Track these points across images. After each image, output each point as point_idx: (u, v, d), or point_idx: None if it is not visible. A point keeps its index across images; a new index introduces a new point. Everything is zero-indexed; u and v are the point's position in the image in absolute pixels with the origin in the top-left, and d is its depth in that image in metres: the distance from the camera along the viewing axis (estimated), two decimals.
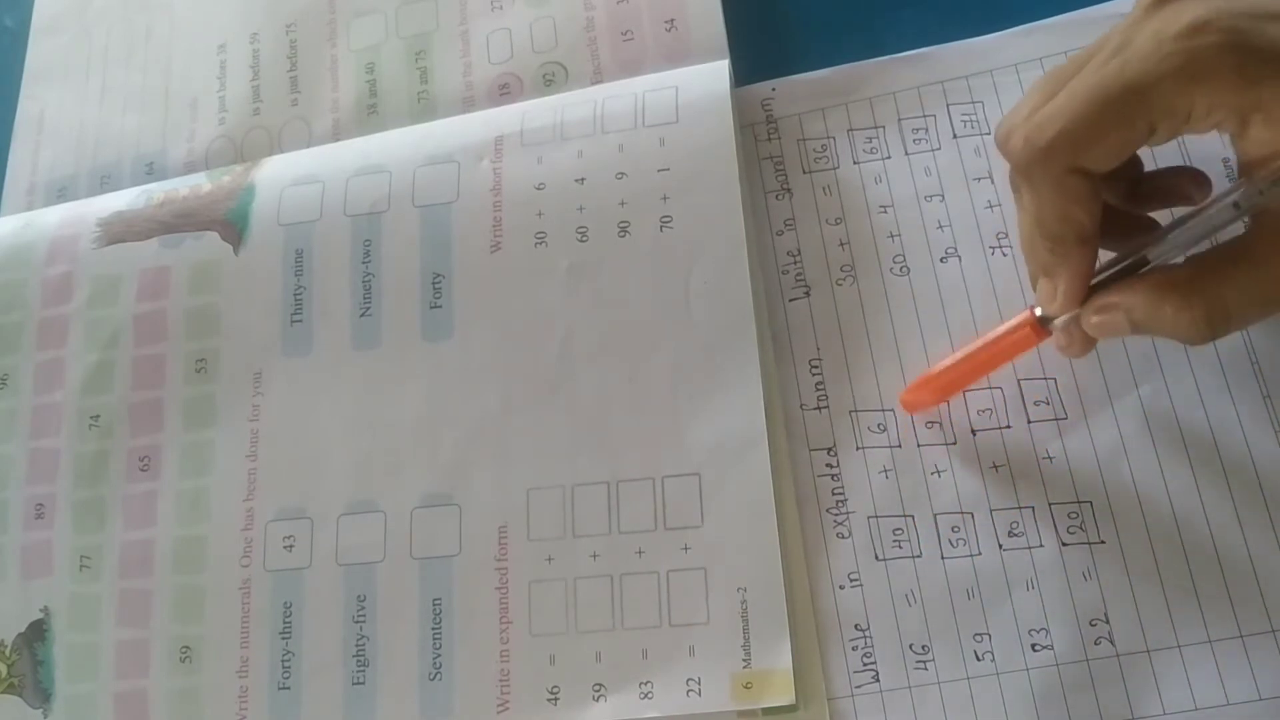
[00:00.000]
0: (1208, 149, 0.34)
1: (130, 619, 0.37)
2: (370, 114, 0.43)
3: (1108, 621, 0.31)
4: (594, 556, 0.34)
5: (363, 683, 0.35)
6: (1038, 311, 0.30)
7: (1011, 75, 0.37)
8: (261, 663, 0.36)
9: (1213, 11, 0.25)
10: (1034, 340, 0.31)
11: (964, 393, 0.34)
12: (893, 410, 0.35)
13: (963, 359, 0.33)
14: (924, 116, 0.38)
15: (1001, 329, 0.32)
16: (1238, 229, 0.27)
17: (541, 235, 0.38)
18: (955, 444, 0.34)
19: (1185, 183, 0.31)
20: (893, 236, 0.36)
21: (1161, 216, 0.31)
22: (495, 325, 0.37)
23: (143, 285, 0.41)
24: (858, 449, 0.34)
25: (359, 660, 0.35)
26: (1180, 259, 0.28)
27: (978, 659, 0.32)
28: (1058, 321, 0.30)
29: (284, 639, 0.36)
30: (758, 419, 0.34)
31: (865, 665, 0.32)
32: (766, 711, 0.32)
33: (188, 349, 0.40)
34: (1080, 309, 0.29)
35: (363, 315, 0.39)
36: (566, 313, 0.37)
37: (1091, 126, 0.26)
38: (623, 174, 0.38)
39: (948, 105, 0.37)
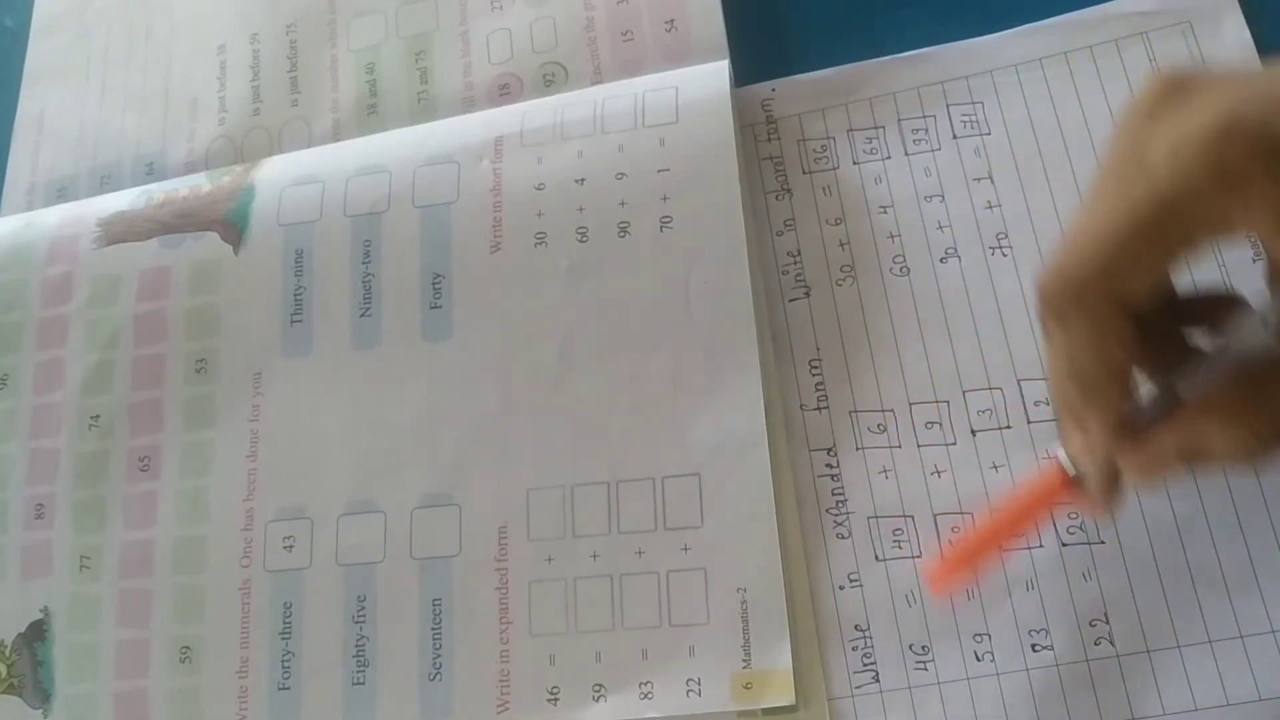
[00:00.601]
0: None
1: (130, 619, 0.37)
2: (370, 114, 0.43)
3: (1108, 621, 0.31)
4: (594, 556, 0.34)
5: (363, 683, 0.35)
6: (1064, 464, 0.28)
7: (1011, 75, 0.37)
8: (261, 663, 0.36)
9: (1233, 113, 0.23)
10: (1067, 492, 0.28)
11: (989, 542, 0.31)
12: (892, 410, 0.35)
13: (988, 529, 0.30)
14: (924, 117, 0.38)
15: (1028, 487, 0.29)
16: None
17: (541, 235, 0.38)
18: (955, 444, 0.34)
19: (1220, 307, 0.28)
20: (893, 237, 0.36)
21: None
22: (495, 325, 0.37)
23: (143, 285, 0.41)
24: (858, 449, 0.34)
25: (359, 660, 0.35)
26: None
27: (978, 659, 0.32)
28: (1090, 473, 0.28)
29: (284, 639, 0.36)
30: (758, 419, 0.34)
31: (865, 665, 0.32)
32: (766, 712, 0.32)
33: (188, 349, 0.40)
34: (1118, 458, 0.27)
35: (363, 315, 0.39)
36: (566, 313, 0.37)
37: (1127, 250, 0.24)
38: (623, 174, 0.38)
39: (948, 106, 0.37)
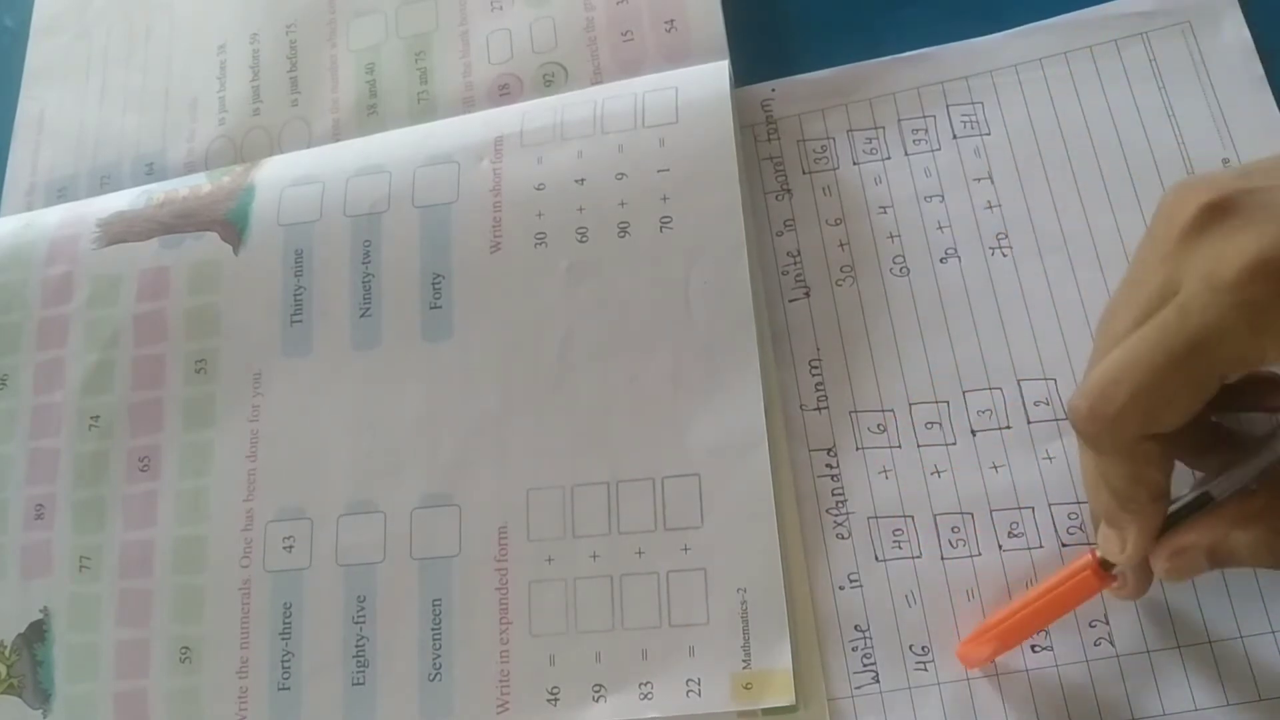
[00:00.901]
0: None
1: (130, 619, 0.37)
2: (370, 114, 0.43)
3: (1108, 622, 0.31)
4: (594, 557, 0.34)
5: (363, 683, 0.35)
6: (1100, 557, 0.29)
7: (1011, 75, 0.37)
8: (261, 663, 0.36)
9: (1266, 246, 0.23)
10: (1098, 587, 0.29)
11: (1023, 629, 0.31)
12: (892, 410, 0.35)
13: (1024, 617, 0.30)
14: (924, 117, 0.38)
15: (1062, 575, 0.29)
16: None
17: (541, 235, 0.38)
18: (955, 444, 0.34)
19: (1264, 394, 0.28)
20: (892, 237, 0.36)
21: None
22: (495, 325, 0.37)
23: (143, 285, 0.41)
24: (858, 449, 0.34)
25: (359, 660, 0.35)
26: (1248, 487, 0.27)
27: None
28: (1122, 568, 0.28)
29: (284, 639, 0.36)
30: (758, 419, 0.34)
31: (865, 666, 0.32)
32: (766, 712, 0.32)
33: (188, 349, 0.40)
34: (1150, 557, 0.27)
35: (363, 315, 0.39)
36: (566, 313, 0.37)
37: (1160, 392, 0.24)
38: (623, 174, 0.38)
39: (947, 106, 0.37)
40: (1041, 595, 0.30)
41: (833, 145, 0.38)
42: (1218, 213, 0.24)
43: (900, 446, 0.34)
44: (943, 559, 0.33)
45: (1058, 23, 0.37)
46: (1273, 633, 0.30)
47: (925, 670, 0.32)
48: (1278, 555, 0.26)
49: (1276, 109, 0.35)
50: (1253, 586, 0.31)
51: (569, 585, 0.34)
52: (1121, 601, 0.31)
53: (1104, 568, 0.28)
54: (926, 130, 0.37)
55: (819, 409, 0.35)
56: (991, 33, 0.38)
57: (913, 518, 0.33)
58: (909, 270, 0.36)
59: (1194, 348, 0.23)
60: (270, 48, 0.46)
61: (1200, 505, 0.27)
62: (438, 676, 0.35)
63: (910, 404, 0.34)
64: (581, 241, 0.37)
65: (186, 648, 0.37)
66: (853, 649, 0.33)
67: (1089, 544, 0.32)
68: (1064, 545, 0.32)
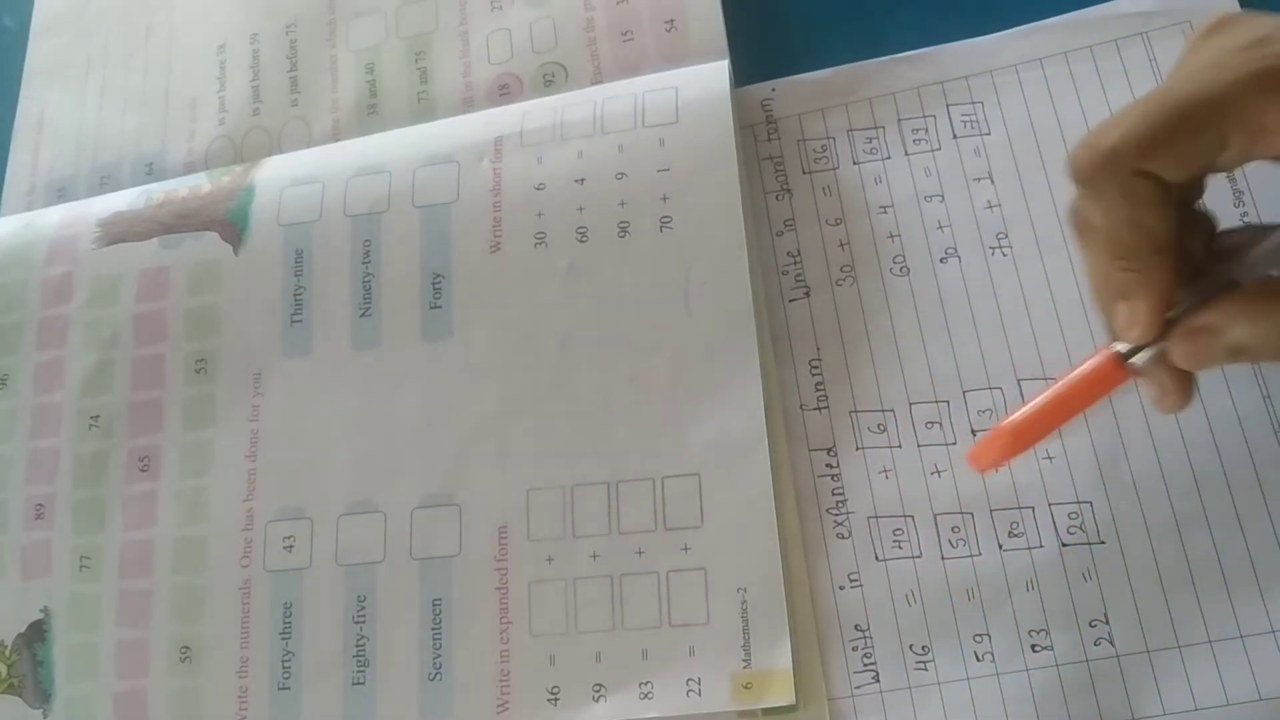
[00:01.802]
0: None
1: (130, 619, 0.37)
2: (370, 114, 0.43)
3: (1108, 622, 0.31)
4: (594, 556, 0.34)
5: (363, 683, 0.35)
6: (1117, 347, 0.27)
7: (1011, 75, 0.37)
8: (261, 663, 0.36)
9: (1275, 24, 0.24)
10: (1119, 378, 0.27)
11: (1039, 425, 0.29)
12: (892, 410, 0.35)
13: (1039, 407, 0.29)
14: (924, 117, 0.38)
15: (1079, 370, 0.28)
16: None
17: (541, 235, 0.38)
18: (955, 444, 0.34)
19: (1260, 234, 0.28)
20: (893, 237, 0.36)
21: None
22: (495, 325, 0.37)
23: (142, 285, 0.41)
24: (858, 449, 0.34)
25: (359, 660, 0.35)
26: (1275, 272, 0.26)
27: (978, 659, 0.32)
28: (1142, 357, 0.27)
29: (284, 639, 0.36)
30: (758, 419, 0.34)
31: (865, 665, 0.32)
32: (766, 712, 0.32)
33: (188, 349, 0.40)
34: (1167, 340, 0.26)
35: (362, 315, 0.39)
36: (566, 313, 0.37)
37: (1160, 132, 0.25)
38: (623, 174, 0.38)
39: (947, 105, 0.37)
40: (1061, 394, 0.28)
41: (833, 145, 0.38)
42: (1233, 18, 0.26)
43: (900, 446, 0.34)
44: (943, 559, 0.33)
45: (1058, 23, 0.37)
46: (1273, 633, 0.30)
47: (925, 670, 0.32)
48: None
49: None
50: (1253, 586, 0.31)
51: (569, 585, 0.34)
52: (1120, 599, 0.31)
53: (1125, 361, 0.27)
54: (926, 130, 0.37)
55: (819, 409, 0.35)
56: (991, 33, 0.38)
57: (913, 518, 0.33)
58: (909, 270, 0.36)
59: (1198, 97, 0.24)
60: (270, 48, 0.46)
61: (1223, 288, 0.26)
62: (438, 676, 0.35)
63: (910, 404, 0.34)
64: (581, 241, 0.37)
65: (186, 648, 0.37)
66: (853, 649, 0.33)
67: (1089, 543, 0.32)
68: (1064, 545, 0.32)
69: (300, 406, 0.38)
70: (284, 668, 0.36)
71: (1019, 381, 0.34)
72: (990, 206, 0.36)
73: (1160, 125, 0.25)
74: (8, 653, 0.38)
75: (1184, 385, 0.28)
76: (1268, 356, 0.26)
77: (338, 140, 0.43)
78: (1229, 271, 0.26)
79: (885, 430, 0.34)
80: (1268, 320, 0.25)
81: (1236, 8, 0.36)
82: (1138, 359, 0.27)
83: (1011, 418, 0.29)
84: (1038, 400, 0.29)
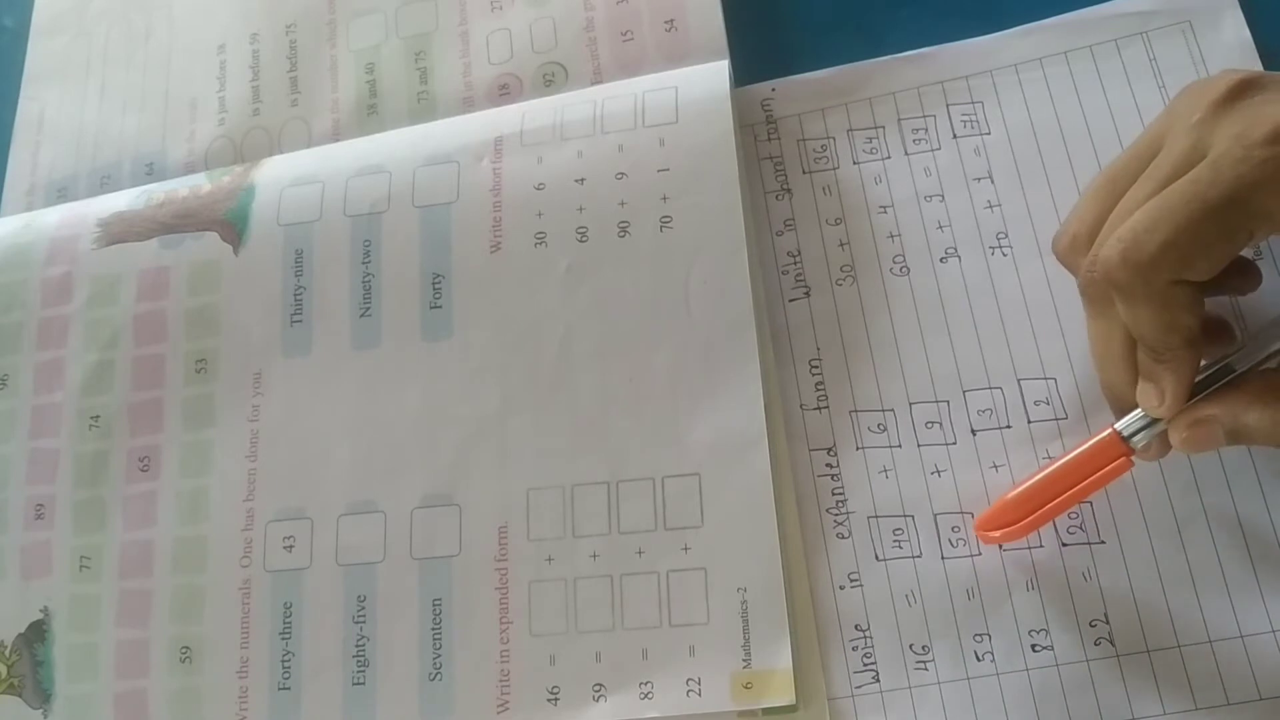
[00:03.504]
0: None
1: (130, 619, 0.37)
2: (370, 114, 0.43)
3: (1108, 621, 0.31)
4: (594, 556, 0.34)
5: (363, 683, 0.35)
6: (1119, 428, 0.30)
7: (1011, 75, 0.37)
8: (261, 663, 0.36)
9: None
10: (1127, 466, 0.30)
11: (1045, 512, 0.31)
12: (892, 410, 0.35)
13: (1047, 499, 0.31)
14: (924, 116, 0.38)
15: (1088, 457, 0.30)
16: None
17: (541, 235, 0.38)
18: (955, 444, 0.34)
19: (1236, 275, 0.30)
20: (893, 236, 0.36)
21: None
22: (495, 325, 0.37)
23: (142, 285, 0.41)
24: (858, 449, 0.34)
25: (359, 660, 0.35)
26: (1273, 364, 0.28)
27: (978, 659, 0.32)
28: (1140, 438, 0.29)
29: (284, 639, 0.36)
30: (758, 419, 0.34)
31: (865, 665, 0.32)
32: (766, 711, 0.32)
33: (187, 349, 0.40)
34: (1169, 428, 0.29)
35: (362, 315, 0.39)
36: (566, 313, 0.37)
37: (1194, 239, 0.25)
38: (623, 174, 0.38)
39: (947, 105, 0.37)
40: (1068, 477, 0.30)
41: (833, 145, 0.38)
42: (1249, 87, 0.26)
43: (900, 446, 0.34)
44: (943, 559, 0.33)
45: (1058, 23, 0.37)
46: (1273, 633, 0.30)
47: (925, 670, 0.32)
48: None
49: None
50: (1253, 586, 0.31)
51: (569, 585, 0.34)
52: (1120, 599, 0.31)
53: (1124, 440, 0.29)
54: (926, 130, 0.37)
55: (819, 408, 0.35)
56: (991, 33, 0.38)
57: (913, 517, 0.33)
58: (909, 270, 0.36)
59: (1227, 200, 0.25)
60: (270, 48, 0.46)
61: (1222, 376, 0.28)
62: (438, 676, 0.35)
63: (910, 403, 0.34)
64: (581, 241, 0.37)
65: (186, 648, 0.37)
66: (853, 648, 0.33)
67: (1089, 543, 0.32)
68: (1064, 545, 0.32)
69: (300, 406, 0.38)
70: (284, 668, 0.36)
71: (1019, 381, 0.34)
72: (990, 206, 0.36)
73: (1196, 233, 0.25)
74: (8, 653, 0.38)
75: (1167, 446, 0.29)
76: (1265, 444, 0.28)
77: (338, 140, 0.43)
78: (1229, 357, 0.28)
79: (885, 430, 0.34)
80: (1265, 413, 0.27)
81: (1235, 6, 0.36)
82: (1139, 438, 0.29)
83: (1022, 500, 0.31)
84: (1048, 482, 0.31)
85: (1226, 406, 0.27)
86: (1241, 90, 0.26)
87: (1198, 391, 0.28)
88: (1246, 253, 0.32)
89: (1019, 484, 0.31)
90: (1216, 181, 0.25)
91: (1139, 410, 0.29)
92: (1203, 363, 0.28)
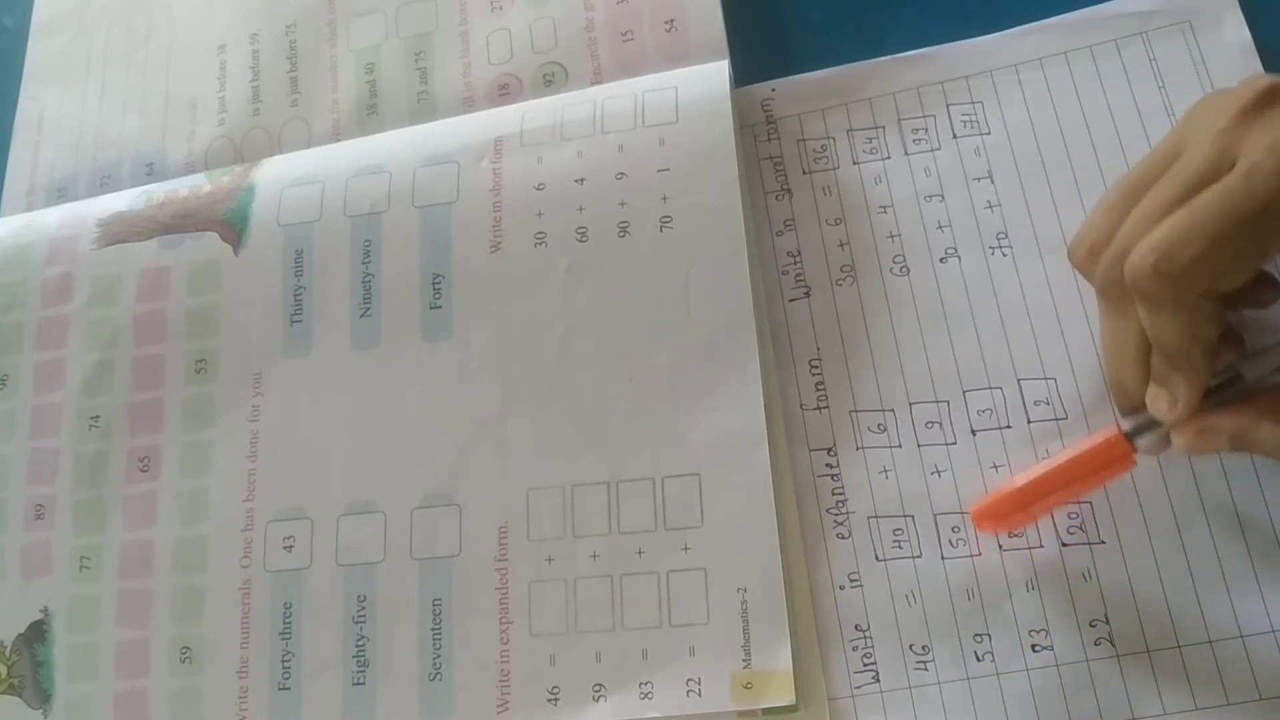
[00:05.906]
0: None
1: (130, 619, 0.37)
2: (370, 114, 0.43)
3: (1108, 622, 0.31)
4: (594, 556, 0.34)
5: (363, 683, 0.35)
6: (1123, 426, 0.30)
7: (1011, 75, 0.37)
8: (261, 663, 0.36)
9: None
10: (1129, 465, 0.30)
11: (1045, 503, 0.31)
12: (892, 410, 0.35)
13: (1047, 491, 0.31)
14: (924, 117, 0.38)
15: (1091, 454, 0.30)
16: None
17: (541, 235, 0.38)
18: (955, 444, 0.34)
19: (1258, 287, 0.30)
20: (893, 237, 0.36)
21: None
22: (495, 325, 0.37)
23: (142, 286, 0.41)
24: (858, 449, 0.34)
25: (359, 660, 0.35)
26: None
27: (978, 659, 0.32)
28: (1146, 439, 0.30)
29: (284, 639, 0.36)
30: (758, 419, 0.34)
31: (865, 665, 0.32)
32: (767, 712, 0.32)
33: (187, 349, 0.40)
34: (1174, 430, 0.29)
35: (362, 315, 0.39)
36: (566, 313, 0.37)
37: (1228, 252, 0.25)
38: (622, 174, 0.38)
39: (947, 105, 0.37)
40: (1071, 472, 0.31)
41: (833, 145, 0.38)
42: (1276, 94, 0.26)
43: (900, 446, 0.34)
44: (943, 559, 0.33)
45: (1058, 23, 0.37)
46: (1273, 633, 0.30)
47: (925, 670, 0.32)
48: None
49: None
50: (1253, 586, 0.31)
51: (569, 585, 0.34)
52: (1120, 599, 0.31)
53: (1128, 439, 0.30)
54: (926, 130, 0.37)
55: (819, 409, 0.35)
56: (991, 33, 0.38)
57: (913, 517, 0.33)
58: (909, 270, 0.36)
59: (1261, 211, 0.25)
60: (270, 48, 0.46)
61: (1232, 385, 0.28)
62: (438, 676, 0.35)
63: (910, 403, 0.34)
64: (581, 241, 0.37)
65: (186, 648, 0.37)
66: (853, 649, 0.33)
67: (1089, 543, 0.32)
68: (1064, 545, 0.32)
69: (300, 406, 0.38)
70: (284, 668, 0.36)
71: (1019, 381, 0.34)
72: (990, 206, 0.36)
73: (1229, 245, 0.25)
74: (8, 653, 0.38)
75: (1168, 443, 0.30)
76: (1267, 455, 0.28)
77: (338, 140, 0.43)
78: (1239, 366, 0.28)
79: (885, 430, 0.34)
80: (1272, 428, 0.27)
81: (1235, 6, 0.36)
82: (1144, 439, 0.30)
83: (1019, 490, 0.31)
84: (1047, 481, 0.31)
85: (1236, 419, 0.28)
86: (1270, 97, 0.26)
87: (1205, 397, 0.28)
88: None
89: (1018, 475, 0.31)
90: (1251, 194, 0.25)
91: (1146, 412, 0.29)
92: None
